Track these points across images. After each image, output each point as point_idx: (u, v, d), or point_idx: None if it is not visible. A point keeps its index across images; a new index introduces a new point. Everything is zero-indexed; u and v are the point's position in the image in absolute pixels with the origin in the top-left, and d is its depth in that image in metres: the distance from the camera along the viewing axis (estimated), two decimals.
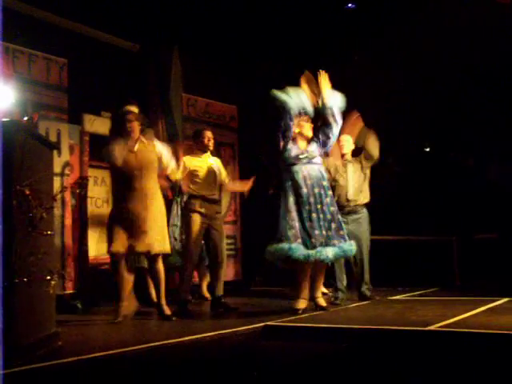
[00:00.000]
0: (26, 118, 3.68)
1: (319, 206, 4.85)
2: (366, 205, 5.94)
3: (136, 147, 4.72)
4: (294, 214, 4.81)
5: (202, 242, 5.53)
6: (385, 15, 7.36)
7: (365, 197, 5.91)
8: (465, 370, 2.87)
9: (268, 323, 4.06)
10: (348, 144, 5.94)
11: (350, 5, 7.61)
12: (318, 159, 5.06)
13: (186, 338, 3.56)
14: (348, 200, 5.80)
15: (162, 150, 4.90)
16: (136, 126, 4.76)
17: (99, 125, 6.37)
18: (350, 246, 4.94)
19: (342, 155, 5.93)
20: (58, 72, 6.23)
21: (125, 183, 4.69)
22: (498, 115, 8.01)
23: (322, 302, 5.05)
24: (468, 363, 3.00)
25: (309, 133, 5.09)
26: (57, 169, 5.83)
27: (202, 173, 5.41)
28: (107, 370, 2.91)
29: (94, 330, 4.25)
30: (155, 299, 4.96)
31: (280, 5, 7.21)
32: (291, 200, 4.85)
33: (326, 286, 5.95)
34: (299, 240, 4.73)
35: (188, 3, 7.03)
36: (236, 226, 8.23)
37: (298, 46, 7.88)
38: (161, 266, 4.77)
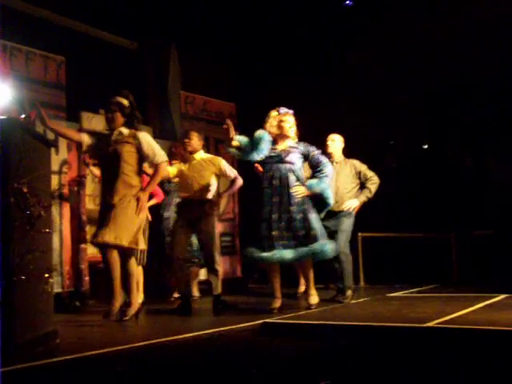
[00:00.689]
0: (23, 116, 3.67)
1: (284, 207, 4.76)
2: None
3: (113, 137, 4.60)
4: (262, 214, 4.84)
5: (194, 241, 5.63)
6: (383, 11, 7.36)
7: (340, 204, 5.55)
8: (463, 366, 2.88)
9: (266, 320, 4.07)
10: (334, 143, 5.68)
11: (347, 2, 7.61)
12: (293, 158, 4.88)
13: (185, 336, 3.56)
14: None
15: (143, 140, 4.60)
16: (118, 117, 4.61)
17: (97, 122, 6.36)
18: (323, 247, 4.74)
19: (329, 155, 5.53)
20: (56, 70, 6.21)
21: (102, 173, 4.73)
22: (497, 113, 8.01)
23: (310, 299, 4.96)
24: (467, 360, 3.00)
25: (289, 131, 4.95)
26: (55, 167, 5.83)
27: (183, 174, 5.33)
28: (105, 368, 2.91)
29: (92, 328, 4.24)
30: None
31: (278, 2, 7.21)
32: (263, 200, 4.87)
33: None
34: (259, 241, 4.78)
35: (186, 1, 7.03)
36: (234, 223, 8.23)
37: (296, 43, 7.88)
38: (130, 262, 4.58)
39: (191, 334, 3.60)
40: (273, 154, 4.89)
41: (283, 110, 4.99)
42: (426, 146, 9.33)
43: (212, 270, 5.32)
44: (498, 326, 3.42)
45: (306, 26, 7.58)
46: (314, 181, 4.89)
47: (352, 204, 5.51)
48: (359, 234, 7.69)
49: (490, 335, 3.24)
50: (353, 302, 5.46)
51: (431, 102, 8.12)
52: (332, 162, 5.41)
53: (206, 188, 5.28)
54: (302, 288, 6.73)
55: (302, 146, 4.95)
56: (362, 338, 3.54)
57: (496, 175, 8.45)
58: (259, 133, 4.82)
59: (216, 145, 8.15)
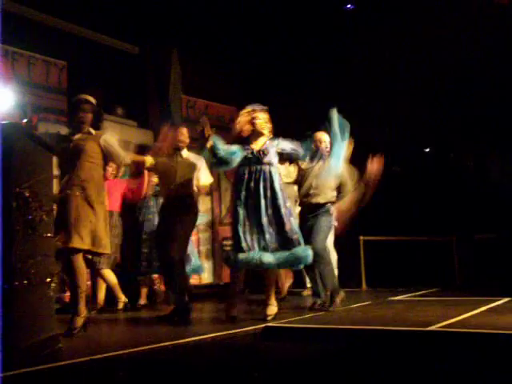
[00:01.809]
0: (25, 121, 3.67)
1: (262, 210, 4.50)
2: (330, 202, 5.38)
3: (79, 136, 4.29)
4: (238, 217, 4.56)
5: None
6: (384, 15, 7.37)
7: (327, 198, 5.31)
8: (466, 370, 2.87)
9: (268, 324, 4.06)
10: (326, 144, 5.40)
11: (349, 5, 7.63)
12: (271, 157, 4.64)
13: (187, 340, 3.55)
14: (306, 195, 5.35)
15: (110, 141, 4.37)
16: (88, 119, 4.32)
17: None
18: (306, 251, 4.51)
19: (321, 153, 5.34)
20: (58, 74, 6.24)
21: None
22: (499, 115, 8.02)
23: (268, 310, 4.59)
24: (469, 363, 2.99)
25: (262, 128, 4.68)
26: (56, 171, 5.83)
27: (163, 169, 5.05)
28: (108, 372, 2.90)
29: (94, 331, 4.23)
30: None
31: (279, 6, 7.22)
32: (238, 202, 4.60)
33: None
34: (237, 244, 4.53)
35: (187, 6, 7.04)
36: None
37: (297, 46, 7.89)
38: (77, 263, 4.08)
39: (193, 339, 3.60)
40: (248, 156, 4.61)
41: (255, 106, 4.76)
42: (428, 150, 9.34)
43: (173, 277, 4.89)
44: (500, 329, 3.42)
45: (308, 29, 7.59)
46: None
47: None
48: (361, 237, 7.69)
49: (492, 339, 3.23)
50: (354, 305, 5.42)
51: (433, 105, 8.12)
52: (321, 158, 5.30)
53: (190, 185, 5.05)
54: (306, 291, 6.74)
55: (278, 143, 4.71)
56: (364, 342, 3.54)
57: (498, 179, 8.45)
58: (232, 148, 4.56)
59: None
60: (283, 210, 4.51)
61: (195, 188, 5.14)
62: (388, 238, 7.78)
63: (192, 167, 5.10)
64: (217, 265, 7.89)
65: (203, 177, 5.15)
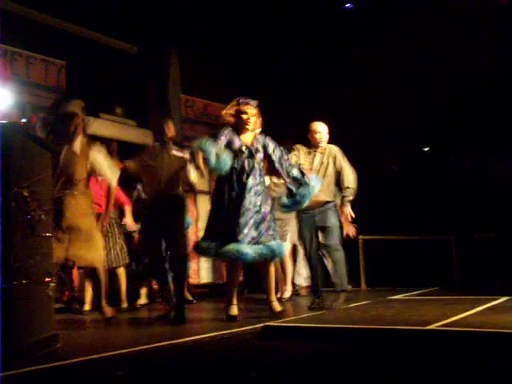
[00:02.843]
0: (24, 120, 3.68)
1: (246, 204, 4.51)
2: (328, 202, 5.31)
3: (76, 147, 4.50)
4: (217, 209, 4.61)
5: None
6: (383, 15, 7.37)
7: (326, 195, 5.22)
8: (465, 369, 2.87)
9: (267, 324, 4.06)
10: (325, 134, 5.35)
11: (348, 5, 7.63)
12: (261, 155, 4.67)
13: (185, 339, 3.55)
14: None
15: (99, 160, 4.59)
16: (78, 132, 4.53)
17: (97, 127, 6.37)
18: (279, 247, 4.62)
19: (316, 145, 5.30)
20: (57, 74, 6.24)
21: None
22: (497, 115, 8.02)
23: (274, 307, 4.73)
24: (468, 362, 2.99)
25: (248, 125, 4.65)
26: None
27: (149, 170, 4.98)
28: (107, 371, 2.90)
29: (92, 331, 4.24)
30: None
31: (278, 6, 7.23)
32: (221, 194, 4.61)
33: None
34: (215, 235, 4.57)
35: (186, 5, 7.04)
36: None
37: (296, 46, 7.89)
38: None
39: (192, 338, 3.60)
40: (241, 148, 4.60)
41: (243, 99, 4.73)
42: (426, 149, 9.35)
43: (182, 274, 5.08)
44: (499, 328, 3.42)
45: (307, 28, 7.59)
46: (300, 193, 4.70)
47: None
48: (360, 236, 7.69)
49: (491, 338, 3.23)
50: (353, 304, 5.43)
51: (432, 105, 8.13)
52: (312, 151, 5.28)
53: (178, 183, 5.01)
54: (304, 290, 6.73)
55: (267, 142, 4.71)
56: (363, 341, 3.54)
57: (496, 177, 8.46)
58: (222, 160, 4.50)
59: None
60: (265, 208, 4.59)
61: (186, 184, 5.08)
62: (387, 238, 7.79)
63: (180, 163, 4.98)
64: (216, 264, 7.89)
65: (192, 171, 4.96)
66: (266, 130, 4.89)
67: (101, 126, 6.27)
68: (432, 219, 8.07)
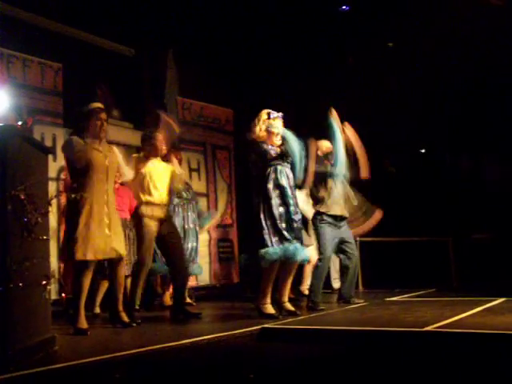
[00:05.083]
0: (20, 123, 3.67)
1: (293, 207, 4.82)
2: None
3: (101, 147, 4.38)
4: (281, 216, 4.78)
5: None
6: (380, 16, 7.38)
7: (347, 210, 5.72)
8: (462, 370, 2.87)
9: (265, 325, 4.06)
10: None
11: (344, 7, 7.64)
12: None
13: (184, 342, 3.55)
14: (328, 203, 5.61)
15: (119, 155, 4.56)
16: (106, 126, 4.43)
17: None
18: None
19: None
20: (53, 77, 6.22)
21: (89, 184, 4.30)
22: (495, 116, 8.04)
23: (288, 306, 4.95)
24: (465, 364, 3.00)
25: (277, 139, 4.92)
26: (52, 173, 5.82)
27: (153, 178, 4.99)
28: (103, 374, 2.90)
29: (90, 334, 4.22)
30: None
31: (274, 8, 7.23)
32: (276, 202, 4.77)
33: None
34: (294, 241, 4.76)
35: (183, 7, 7.04)
36: (232, 229, 8.22)
37: (294, 49, 7.90)
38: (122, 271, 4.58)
39: (189, 340, 3.59)
40: (281, 154, 4.87)
41: (274, 114, 4.91)
42: (423, 151, 9.36)
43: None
44: (497, 329, 3.42)
45: (304, 31, 7.59)
46: None
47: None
48: (358, 238, 7.68)
49: (488, 339, 3.24)
50: (351, 306, 5.45)
51: (429, 106, 8.14)
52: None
53: (168, 191, 5.09)
54: (305, 288, 6.71)
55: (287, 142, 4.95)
56: (361, 343, 3.54)
57: (493, 179, 8.47)
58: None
59: (213, 150, 8.17)
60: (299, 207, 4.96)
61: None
62: (384, 239, 7.79)
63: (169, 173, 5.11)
64: (214, 266, 7.88)
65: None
66: None
67: None
68: (429, 221, 8.08)
